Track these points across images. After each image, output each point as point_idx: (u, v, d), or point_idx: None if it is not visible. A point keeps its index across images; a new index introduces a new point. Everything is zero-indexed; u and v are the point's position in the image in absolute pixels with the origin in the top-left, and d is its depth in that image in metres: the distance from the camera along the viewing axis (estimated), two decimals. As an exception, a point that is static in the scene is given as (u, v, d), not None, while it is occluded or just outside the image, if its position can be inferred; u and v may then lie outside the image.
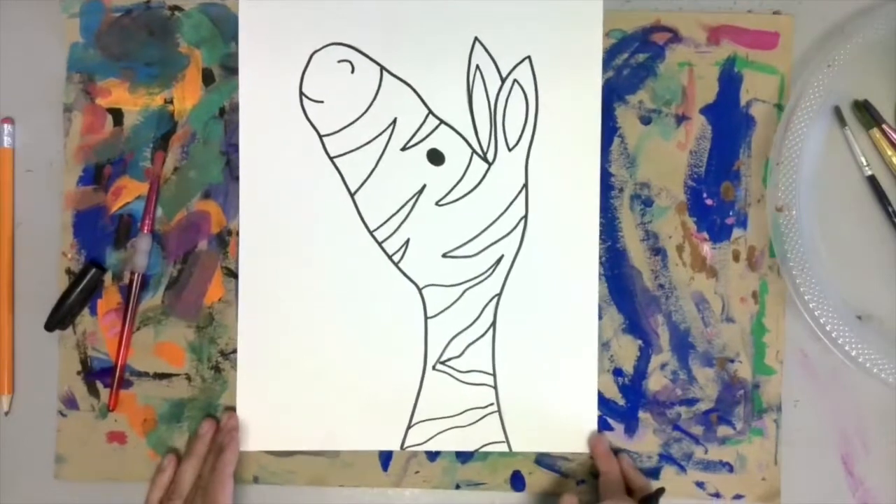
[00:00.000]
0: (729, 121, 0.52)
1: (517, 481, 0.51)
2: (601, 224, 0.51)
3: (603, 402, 0.51)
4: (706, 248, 0.51)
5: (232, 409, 0.51)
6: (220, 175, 0.52)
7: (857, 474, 0.51)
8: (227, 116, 0.52)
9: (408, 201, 0.51)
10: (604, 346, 0.51)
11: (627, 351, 0.51)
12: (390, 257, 0.51)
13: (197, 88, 0.52)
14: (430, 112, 0.51)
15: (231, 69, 0.52)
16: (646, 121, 0.52)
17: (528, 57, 0.51)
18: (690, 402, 0.51)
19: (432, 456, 0.51)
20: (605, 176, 0.52)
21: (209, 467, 0.49)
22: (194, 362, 0.51)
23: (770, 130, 0.51)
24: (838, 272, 0.51)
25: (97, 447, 0.51)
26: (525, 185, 0.51)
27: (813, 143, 0.50)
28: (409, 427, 0.51)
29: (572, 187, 0.51)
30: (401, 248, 0.51)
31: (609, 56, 0.52)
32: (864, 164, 0.51)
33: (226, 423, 0.50)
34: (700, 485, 0.51)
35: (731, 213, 0.52)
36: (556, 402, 0.51)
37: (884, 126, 0.51)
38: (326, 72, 0.51)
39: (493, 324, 0.51)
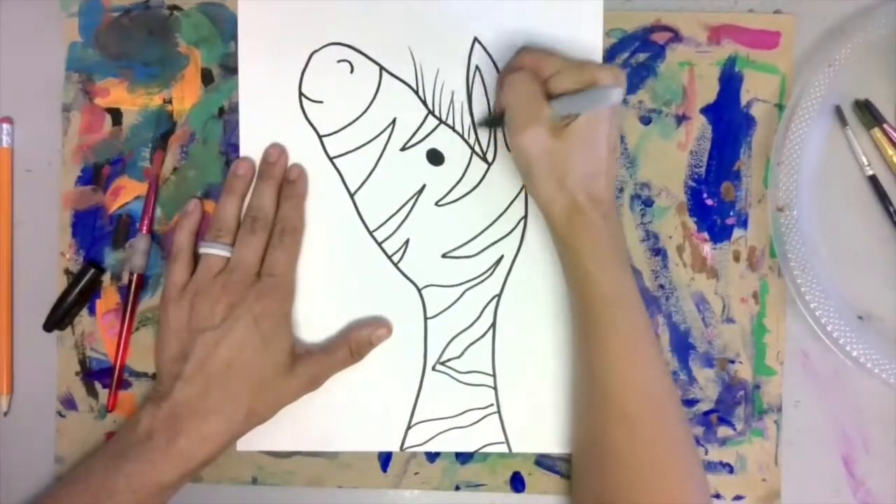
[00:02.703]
0: (729, 121, 0.52)
1: (517, 482, 0.51)
2: (601, 224, 0.51)
3: (603, 402, 0.51)
4: (706, 248, 0.51)
5: None
6: (219, 175, 0.52)
7: (858, 475, 0.51)
8: (227, 116, 0.52)
9: (407, 201, 0.51)
10: (604, 346, 0.51)
11: (628, 351, 0.51)
12: (390, 258, 0.51)
13: (196, 88, 0.52)
14: (430, 112, 0.51)
15: (230, 69, 0.51)
16: (646, 121, 0.51)
17: (528, 56, 0.51)
18: (691, 402, 0.51)
19: (432, 457, 0.51)
20: (606, 176, 0.51)
21: (282, 195, 0.50)
22: (193, 363, 0.51)
23: (771, 130, 0.51)
24: (839, 272, 0.51)
25: (96, 448, 0.51)
26: (525, 186, 0.51)
27: (814, 142, 0.50)
28: (408, 428, 0.51)
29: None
30: (400, 248, 0.51)
31: (609, 56, 0.51)
32: (866, 163, 0.51)
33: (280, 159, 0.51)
34: (700, 486, 0.51)
35: (731, 214, 0.51)
36: (556, 402, 0.51)
37: (885, 126, 0.51)
38: (326, 72, 0.51)
39: (493, 324, 0.51)
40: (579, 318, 0.47)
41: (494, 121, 0.50)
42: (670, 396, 0.46)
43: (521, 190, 0.51)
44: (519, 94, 0.46)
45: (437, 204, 0.51)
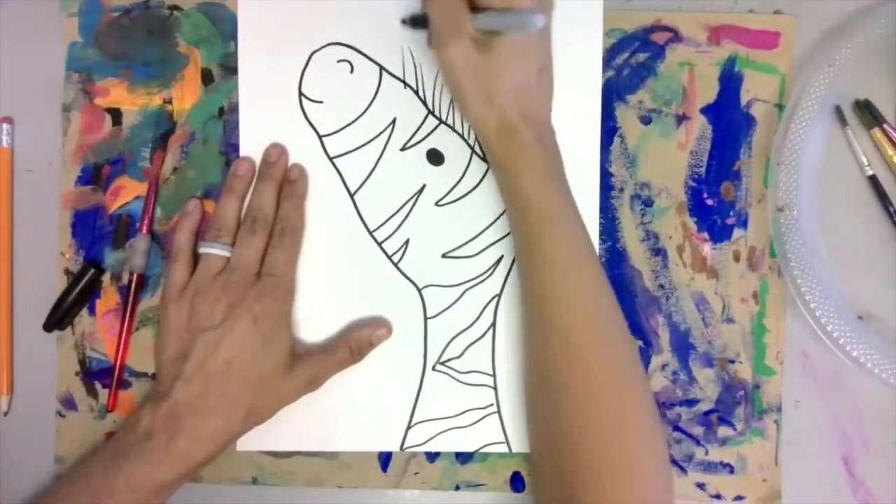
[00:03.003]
0: (729, 121, 0.51)
1: (517, 482, 0.51)
2: (601, 224, 0.51)
3: (603, 402, 0.51)
4: (706, 248, 0.51)
5: None
6: (219, 175, 0.51)
7: (858, 475, 0.51)
8: (227, 116, 0.52)
9: (407, 201, 0.51)
10: (604, 346, 0.51)
11: (628, 351, 0.51)
12: (390, 258, 0.51)
13: (196, 88, 0.52)
14: (430, 112, 0.51)
15: (230, 69, 0.51)
16: (646, 121, 0.51)
17: (528, 56, 0.51)
18: (691, 402, 0.51)
19: (432, 457, 0.51)
20: (605, 176, 0.51)
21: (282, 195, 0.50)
22: (193, 363, 0.51)
23: (771, 130, 0.51)
24: (839, 272, 0.51)
25: (96, 448, 0.51)
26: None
27: (814, 142, 0.50)
28: (408, 428, 0.51)
29: (572, 187, 0.51)
30: (400, 248, 0.51)
31: (609, 56, 0.51)
32: (866, 163, 0.51)
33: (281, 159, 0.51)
34: (700, 486, 0.51)
35: (731, 214, 0.51)
36: (556, 402, 0.51)
37: (885, 126, 0.51)
38: (326, 72, 0.51)
39: (493, 324, 0.51)
40: (517, 240, 0.47)
41: (418, 20, 0.48)
42: (611, 314, 0.45)
43: (521, 190, 0.51)
44: (442, 5, 0.45)
45: (437, 204, 0.51)
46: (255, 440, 0.50)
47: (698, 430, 0.51)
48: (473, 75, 0.45)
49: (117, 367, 0.51)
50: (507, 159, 0.46)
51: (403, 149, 0.51)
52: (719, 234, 0.51)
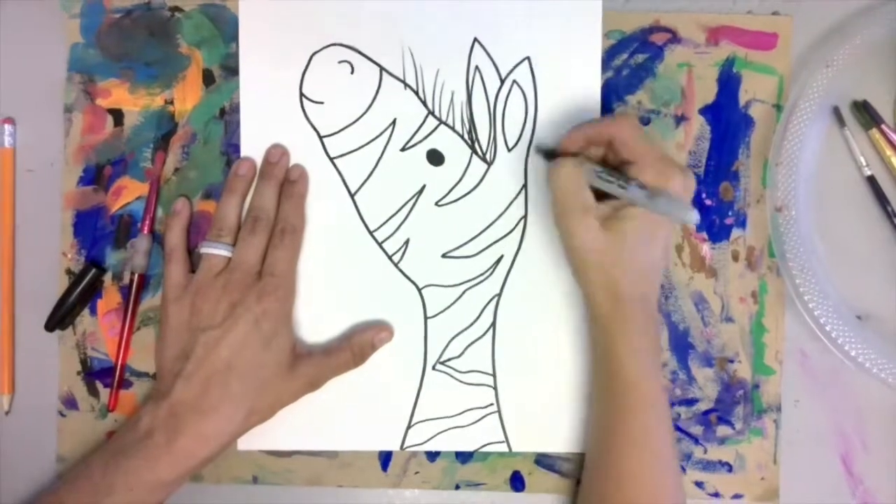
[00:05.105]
0: (728, 121, 0.52)
1: (517, 481, 0.51)
2: (601, 224, 0.51)
3: (602, 402, 0.51)
4: (705, 248, 0.52)
5: None
6: (220, 175, 0.52)
7: (857, 474, 0.51)
8: (228, 117, 0.52)
9: (407, 202, 0.51)
10: (603, 346, 0.51)
11: (627, 351, 0.51)
12: (390, 258, 0.51)
13: (197, 89, 0.52)
14: (430, 112, 0.51)
15: (231, 70, 0.52)
16: (645, 121, 0.52)
17: (528, 58, 0.51)
18: (690, 402, 0.51)
19: (432, 456, 0.51)
20: (605, 176, 0.52)
21: (283, 195, 0.50)
22: (194, 362, 0.51)
23: (769, 131, 0.51)
24: (838, 272, 0.51)
25: (97, 447, 0.51)
26: (524, 186, 0.51)
27: (812, 143, 0.50)
28: (408, 427, 0.51)
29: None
30: (400, 248, 0.51)
31: (608, 57, 0.52)
32: (864, 164, 0.51)
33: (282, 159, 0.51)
34: (699, 484, 0.51)
35: (730, 214, 0.52)
36: (555, 402, 0.51)
37: (883, 126, 0.51)
38: (326, 73, 0.51)
39: (493, 324, 0.51)
40: (604, 405, 0.47)
41: (552, 154, 0.49)
42: (675, 494, 0.46)
43: (520, 190, 0.51)
44: (567, 181, 0.45)
45: (437, 204, 0.51)
46: (256, 439, 0.50)
47: (697, 430, 0.51)
48: (598, 255, 0.44)
49: (118, 366, 0.51)
50: (618, 336, 0.45)
51: (403, 149, 0.51)
52: (718, 233, 0.52)
